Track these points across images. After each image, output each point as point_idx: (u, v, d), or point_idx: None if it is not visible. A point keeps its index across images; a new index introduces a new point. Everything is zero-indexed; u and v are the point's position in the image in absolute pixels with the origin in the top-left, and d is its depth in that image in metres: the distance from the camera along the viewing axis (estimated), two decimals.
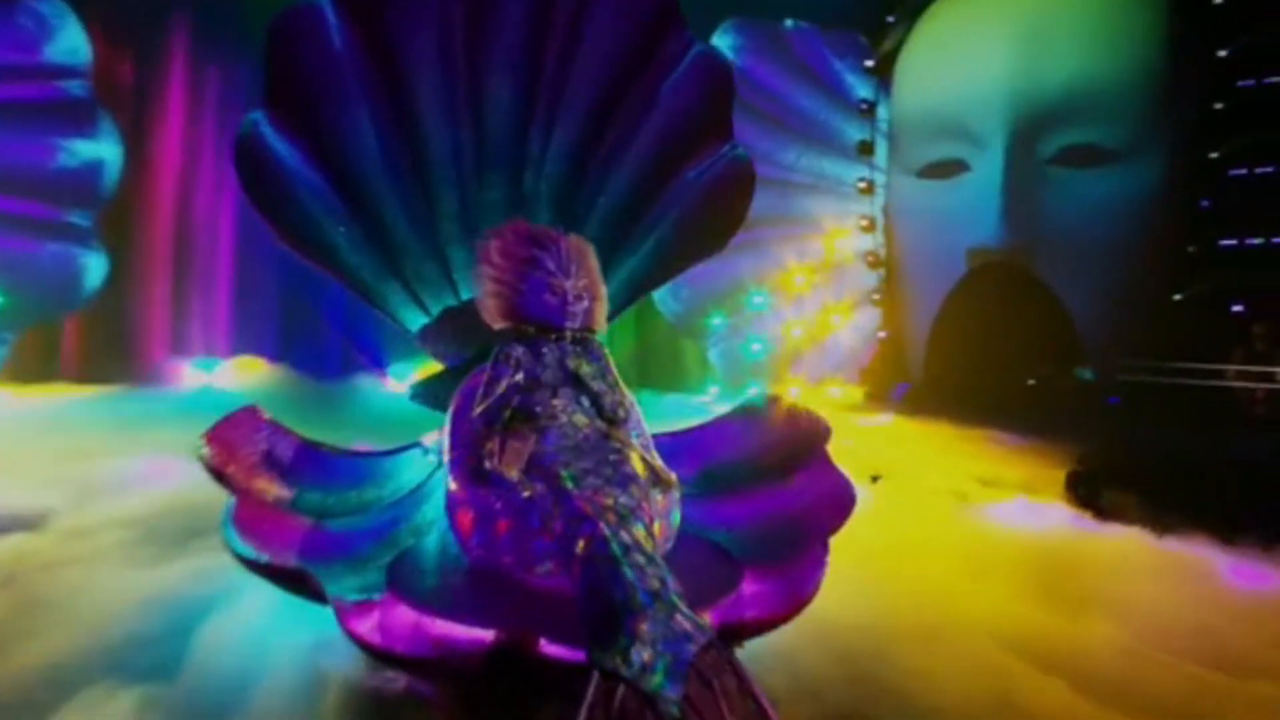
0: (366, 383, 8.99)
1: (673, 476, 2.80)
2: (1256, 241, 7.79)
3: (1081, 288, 8.03)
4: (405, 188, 3.69)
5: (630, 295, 3.79)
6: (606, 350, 3.01)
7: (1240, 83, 7.87)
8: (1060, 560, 3.84)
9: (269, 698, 2.54)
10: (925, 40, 9.04)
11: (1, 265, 8.47)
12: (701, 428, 3.52)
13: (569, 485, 2.50)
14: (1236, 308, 7.72)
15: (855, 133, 9.56)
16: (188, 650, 2.76)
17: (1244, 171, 7.87)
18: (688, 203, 3.79)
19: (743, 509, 3.12)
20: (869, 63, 9.57)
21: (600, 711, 2.00)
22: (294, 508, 2.89)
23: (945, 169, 8.63)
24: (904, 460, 5.69)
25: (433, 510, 3.02)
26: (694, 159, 3.79)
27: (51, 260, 8.73)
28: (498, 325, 2.95)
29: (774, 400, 3.44)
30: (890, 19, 9.36)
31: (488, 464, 2.68)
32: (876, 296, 9.60)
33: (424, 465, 3.26)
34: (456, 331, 3.63)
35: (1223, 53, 7.92)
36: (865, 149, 9.51)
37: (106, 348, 9.19)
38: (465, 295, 3.66)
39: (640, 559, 2.28)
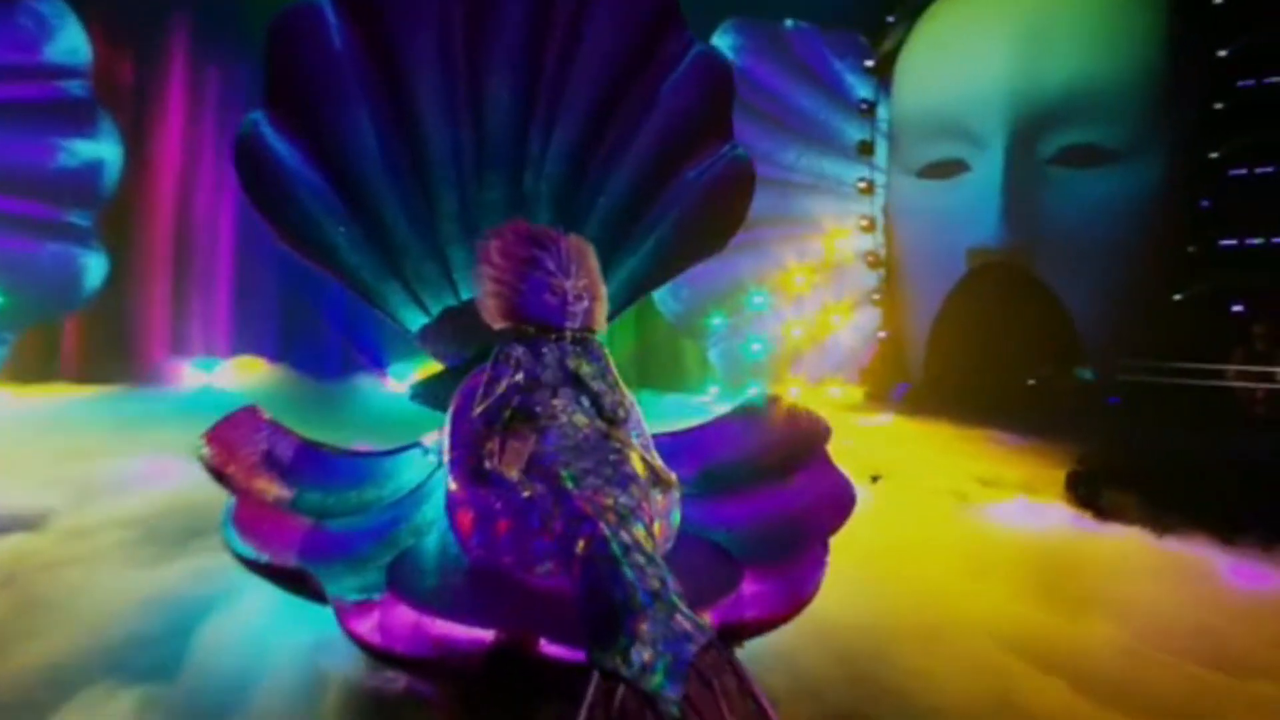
0: (366, 383, 8.99)
1: (673, 476, 2.80)
2: (1256, 241, 7.79)
3: (1081, 288, 8.03)
4: (405, 188, 3.69)
5: (630, 295, 3.79)
6: (606, 350, 3.00)
7: (1240, 83, 7.87)
8: (1060, 560, 3.84)
9: (269, 698, 2.54)
10: (925, 40, 9.03)
11: (1, 265, 8.47)
12: (701, 428, 3.51)
13: (569, 485, 2.50)
14: (1236, 308, 7.72)
15: (855, 133, 9.56)
16: (188, 650, 2.76)
17: (1244, 171, 7.86)
18: (688, 203, 3.79)
19: (743, 509, 3.12)
20: (869, 63, 9.56)
21: (600, 712, 2.00)
22: (294, 508, 2.89)
23: (945, 169, 8.63)
24: (904, 460, 5.69)
25: (433, 510, 3.02)
26: (694, 159, 3.79)
27: (51, 260, 8.72)
28: (498, 325, 2.95)
29: (774, 400, 3.44)
30: (890, 19, 9.36)
31: (488, 464, 2.68)
32: (876, 296, 9.59)
33: (424, 465, 3.26)
34: (456, 331, 3.63)
35: (1223, 53, 7.91)
36: (865, 149, 9.50)
37: (106, 348, 9.18)
38: (465, 295, 3.66)
39: (640, 559, 2.28)
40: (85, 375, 8.83)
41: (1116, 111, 7.89)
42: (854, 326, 9.56)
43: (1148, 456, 5.35)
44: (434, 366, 3.84)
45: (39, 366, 8.88)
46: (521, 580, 2.60)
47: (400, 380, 8.59)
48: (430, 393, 3.60)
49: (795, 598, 2.64)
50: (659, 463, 2.83)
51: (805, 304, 9.47)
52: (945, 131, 8.55)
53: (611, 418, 2.84)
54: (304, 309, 9.15)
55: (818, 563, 2.68)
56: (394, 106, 3.64)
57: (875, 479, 5.02)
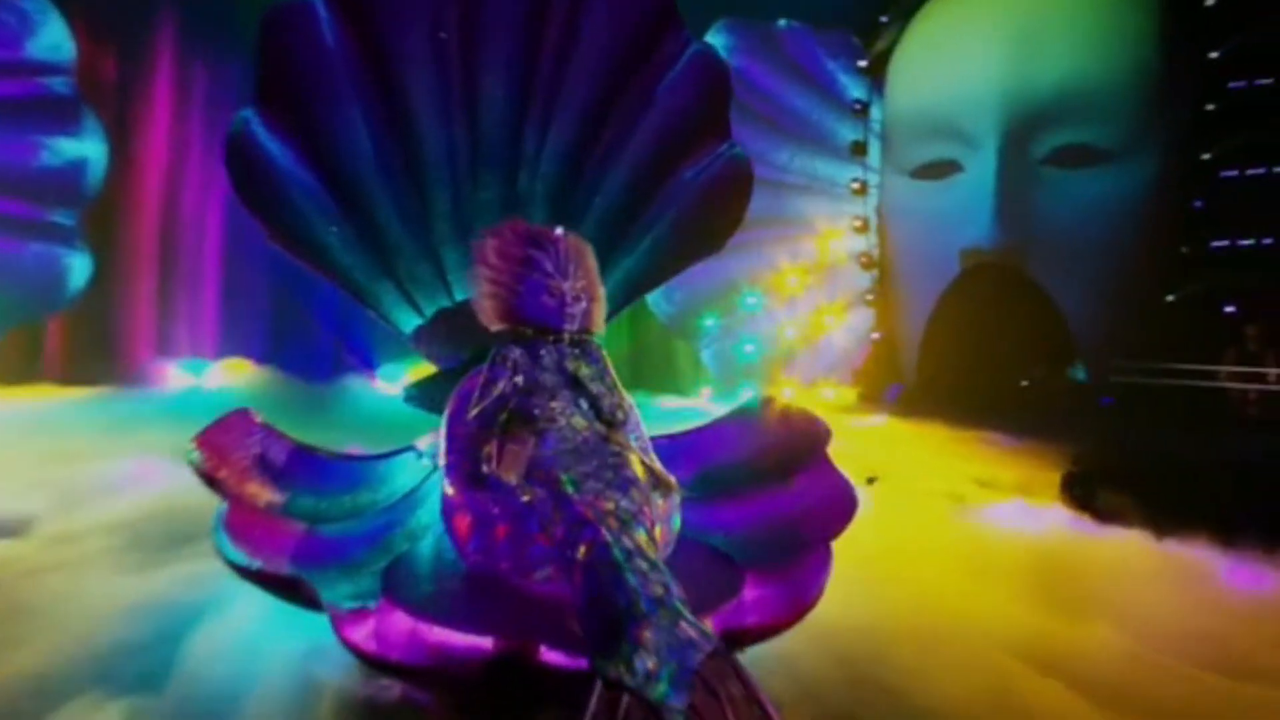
0: (356, 385, 8.92)
1: (673, 480, 2.77)
2: (1248, 242, 7.84)
3: (1075, 288, 8.06)
4: (398, 187, 3.66)
5: (627, 296, 3.76)
6: (605, 352, 2.97)
7: (1232, 84, 7.92)
8: (1059, 563, 3.84)
9: (261, 707, 2.50)
10: (918, 40, 9.04)
11: None
12: (699, 430, 3.48)
13: (569, 490, 2.47)
14: (1229, 309, 7.76)
15: (848, 133, 9.56)
16: (177, 659, 2.71)
17: (1235, 173, 7.91)
18: (685, 203, 3.76)
19: (742, 512, 3.10)
20: (862, 63, 9.57)
21: None
22: (286, 513, 2.85)
23: (938, 169, 8.64)
24: (899, 462, 5.68)
25: (428, 515, 2.99)
26: (691, 158, 3.77)
27: (34, 260, 8.60)
28: (495, 327, 2.91)
29: (772, 402, 3.41)
30: (883, 19, 9.37)
31: (485, 468, 2.64)
32: (870, 297, 9.60)
33: (418, 469, 3.22)
34: (451, 333, 3.60)
35: (1214, 54, 7.96)
36: (858, 149, 9.51)
37: (91, 349, 9.07)
38: (459, 296, 3.63)
39: (643, 565, 2.24)
40: (69, 377, 8.71)
41: (1109, 112, 7.92)
42: (847, 328, 9.56)
43: (1142, 457, 5.37)
44: (427, 368, 3.81)
45: (22, 368, 8.76)
46: (519, 586, 2.56)
47: (391, 382, 8.53)
48: (424, 395, 3.57)
49: (798, 602, 2.61)
50: (659, 466, 2.79)
51: (798, 305, 9.45)
52: (938, 132, 8.56)
53: (611, 420, 2.80)
54: (293, 309, 9.07)
55: (821, 567, 2.66)
56: (387, 105, 3.60)
57: (871, 481, 5.01)
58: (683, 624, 2.12)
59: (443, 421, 2.98)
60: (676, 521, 2.80)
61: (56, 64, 8.63)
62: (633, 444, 2.81)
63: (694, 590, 2.31)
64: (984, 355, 8.23)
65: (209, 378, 9.21)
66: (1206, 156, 8.03)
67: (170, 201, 9.54)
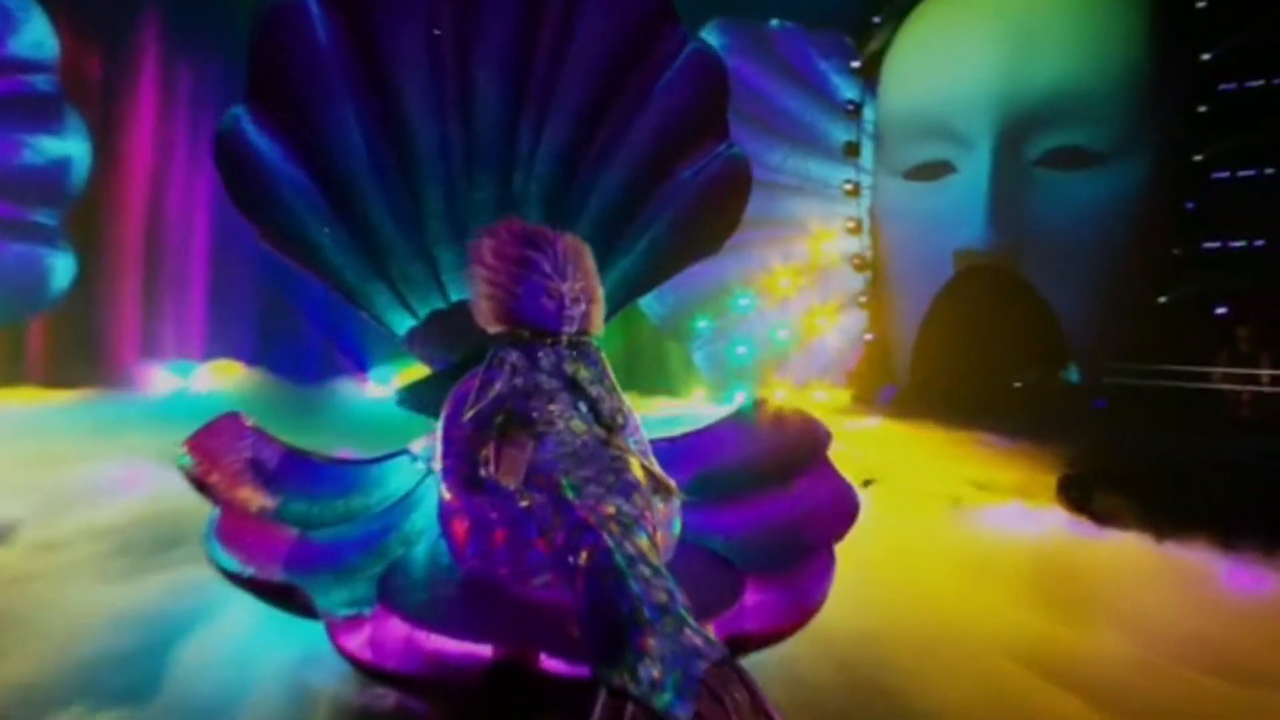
0: (347, 387, 8.84)
1: (673, 484, 2.73)
2: (1240, 244, 7.89)
3: (1068, 290, 8.08)
4: (391, 186, 3.62)
5: (624, 297, 3.73)
6: (604, 354, 2.93)
7: (1223, 86, 7.97)
8: (1059, 566, 3.83)
9: (253, 717, 2.46)
10: (911, 41, 9.05)
11: None
12: (697, 433, 3.45)
13: (570, 495, 2.42)
14: (1220, 310, 7.81)
15: (841, 134, 9.55)
16: (166, 669, 2.66)
17: (1227, 174, 7.96)
18: (683, 203, 3.73)
19: (741, 516, 3.07)
20: (855, 63, 9.56)
21: None
22: (278, 518, 2.81)
23: (931, 170, 8.64)
24: (895, 464, 5.67)
25: (422, 519, 2.95)
26: (689, 158, 3.74)
27: (16, 261, 8.47)
28: (491, 329, 2.86)
29: (772, 405, 3.38)
30: (876, 19, 9.36)
31: (483, 472, 2.59)
32: (863, 299, 9.59)
33: (412, 472, 3.18)
34: (445, 335, 3.56)
35: (1206, 56, 8.01)
36: (851, 150, 9.50)
37: (75, 351, 8.94)
38: (454, 297, 3.60)
39: (646, 571, 2.21)
40: (53, 379, 8.58)
41: (1102, 113, 7.95)
42: (840, 329, 9.54)
43: (1138, 459, 5.38)
44: (419, 370, 3.76)
45: (4, 370, 8.62)
46: (518, 592, 2.52)
47: (382, 384, 8.46)
48: (417, 397, 3.53)
49: (801, 608, 2.58)
50: (659, 470, 2.76)
51: (791, 307, 9.43)
52: (931, 133, 8.56)
53: (610, 424, 2.77)
54: (282, 310, 8.98)
55: (824, 572, 2.63)
56: (380, 102, 3.56)
57: (867, 483, 4.99)
58: (687, 631, 2.09)
59: (438, 424, 2.94)
60: (677, 526, 2.78)
61: (39, 61, 8.52)
62: (632, 448, 2.78)
63: (695, 596, 2.28)
64: (978, 357, 8.24)
65: (196, 380, 9.10)
66: (1198, 158, 8.08)
67: (155, 201, 9.43)
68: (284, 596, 2.45)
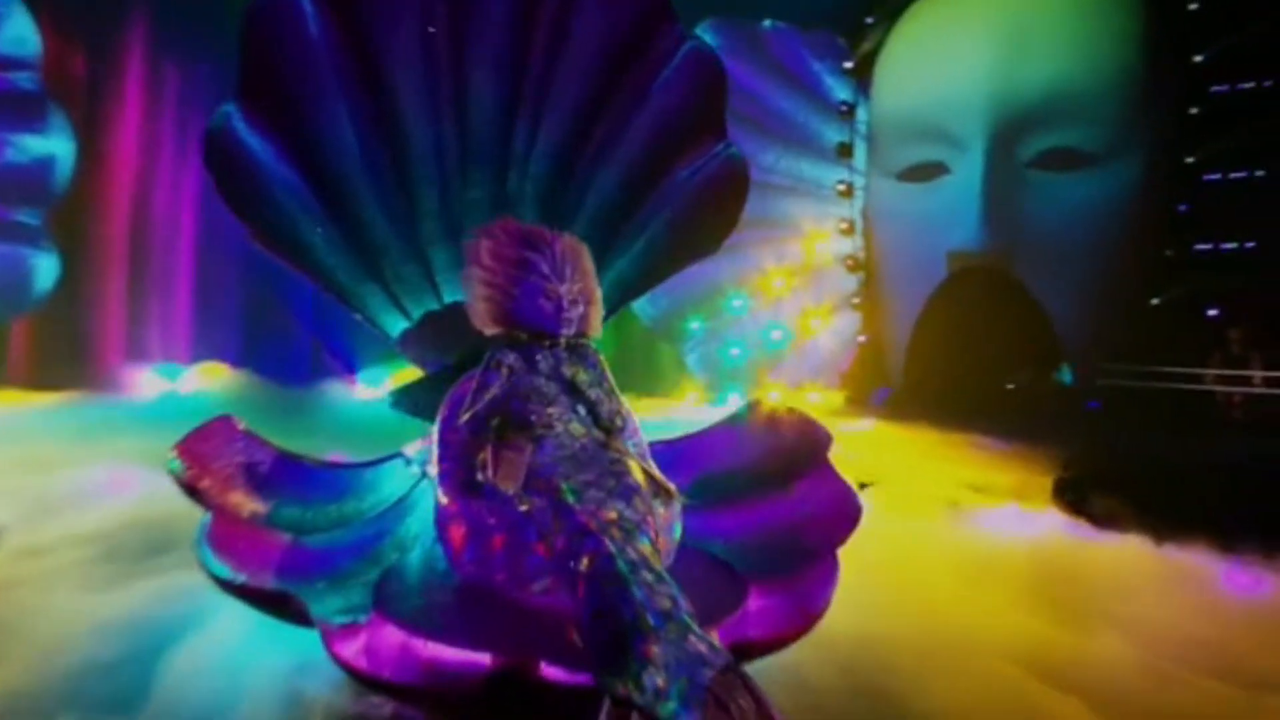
0: (335, 389, 8.76)
1: (674, 488, 2.69)
2: (1231, 246, 7.94)
3: (1061, 291, 8.12)
4: (385, 185, 3.57)
5: (621, 298, 3.69)
6: (602, 357, 2.89)
7: (1214, 88, 8.02)
8: (1059, 569, 3.84)
9: None
10: (904, 42, 9.07)
11: None
12: (696, 436, 3.42)
13: (570, 499, 2.38)
14: (1211, 312, 7.86)
15: (834, 135, 9.57)
16: (155, 677, 2.62)
17: (1218, 176, 8.02)
18: (680, 203, 3.70)
19: (741, 519, 3.04)
20: (848, 64, 9.58)
21: None
22: (270, 523, 2.76)
23: (925, 172, 8.66)
24: (890, 467, 5.66)
25: (417, 524, 2.91)
26: (686, 158, 3.70)
27: None
28: (488, 331, 2.82)
29: (771, 407, 3.35)
30: (869, 20, 9.39)
31: (480, 476, 2.55)
32: (856, 300, 9.61)
33: (407, 476, 3.13)
34: (439, 336, 3.52)
35: (1198, 58, 8.06)
36: (844, 151, 9.52)
37: (58, 353, 8.83)
38: (448, 298, 3.56)
39: (649, 577, 2.17)
40: (36, 381, 8.48)
41: (1095, 115, 7.99)
42: (833, 331, 9.56)
43: (1132, 461, 5.40)
44: (411, 372, 3.72)
45: None
46: (516, 599, 2.47)
47: (371, 386, 8.39)
48: (411, 400, 3.49)
49: (805, 614, 2.56)
50: (659, 473, 2.72)
51: (784, 308, 9.43)
52: (925, 134, 8.58)
53: (609, 427, 2.73)
54: (269, 311, 8.91)
55: (827, 577, 2.60)
56: (373, 101, 3.51)
57: (863, 486, 4.96)
58: (691, 638, 2.05)
59: (434, 427, 2.90)
60: (677, 530, 2.73)
61: (21, 59, 8.42)
62: (631, 451, 2.74)
63: (697, 601, 2.24)
64: (971, 359, 8.26)
65: (183, 382, 9.00)
66: (1190, 160, 8.13)
67: (141, 201, 9.35)
68: (277, 604, 2.41)
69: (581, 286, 2.79)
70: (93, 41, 9.19)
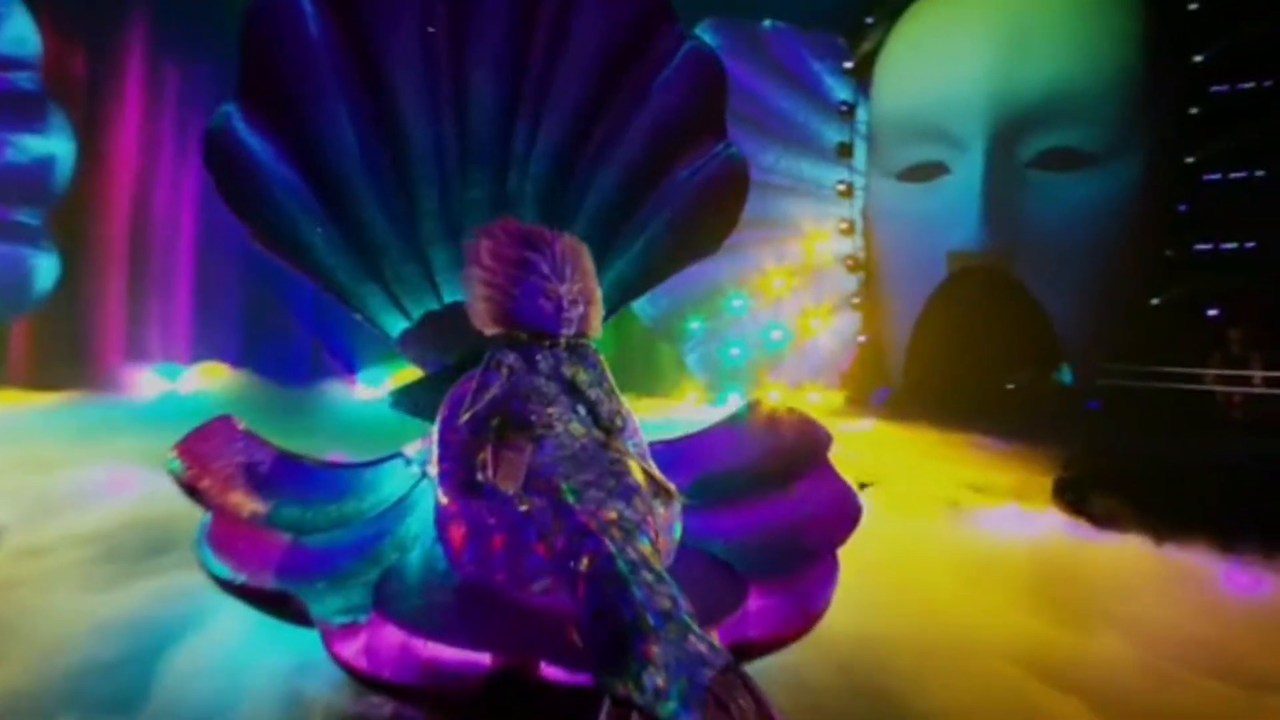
0: (335, 388, 8.75)
1: (674, 488, 2.69)
2: (1231, 246, 7.93)
3: (1061, 291, 8.11)
4: (385, 185, 3.57)
5: (620, 298, 3.68)
6: (602, 357, 2.89)
7: (1214, 88, 8.02)
8: (1059, 569, 3.84)
9: None
10: (904, 42, 9.07)
11: None
12: (696, 436, 3.41)
13: (570, 499, 2.38)
14: (1211, 312, 7.85)
15: (834, 135, 9.57)
16: (155, 677, 2.62)
17: (1218, 176, 8.01)
18: (680, 203, 3.70)
19: (741, 520, 3.03)
20: (848, 64, 9.57)
21: None
22: (270, 523, 2.76)
23: (925, 172, 8.66)
24: (891, 467, 5.66)
25: (417, 524, 2.90)
26: (686, 158, 3.69)
27: None
28: (488, 331, 2.82)
29: (771, 407, 3.34)
30: (869, 20, 9.38)
31: (480, 476, 2.55)
32: (856, 300, 9.60)
33: (407, 476, 3.13)
34: (439, 336, 3.52)
35: (1198, 58, 8.06)
36: (844, 151, 9.52)
37: (58, 353, 8.83)
38: (448, 298, 3.56)
39: (649, 577, 2.17)
40: (36, 381, 8.47)
41: (1095, 115, 7.99)
42: (833, 331, 9.55)
43: (1132, 461, 5.39)
44: (409, 371, 3.72)
45: None
46: (516, 599, 2.47)
47: (371, 386, 8.39)
48: (411, 400, 3.49)
49: (805, 614, 2.55)
50: (659, 473, 2.71)
51: (784, 308, 9.43)
52: (925, 134, 8.58)
53: (609, 427, 2.73)
54: (269, 311, 8.91)
55: (827, 577, 2.60)
56: (373, 101, 3.51)
57: (863, 486, 4.96)
58: (691, 638, 2.05)
59: (434, 427, 2.90)
60: (677, 530, 2.73)
61: (21, 59, 8.42)
62: (631, 451, 2.74)
63: (697, 601, 2.23)
64: (971, 359, 8.25)
65: (183, 382, 9.00)
66: (1190, 160, 8.13)
67: (141, 201, 9.35)
68: (277, 604, 2.41)
69: (581, 286, 2.79)
70: (93, 41, 9.18)
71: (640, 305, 9.26)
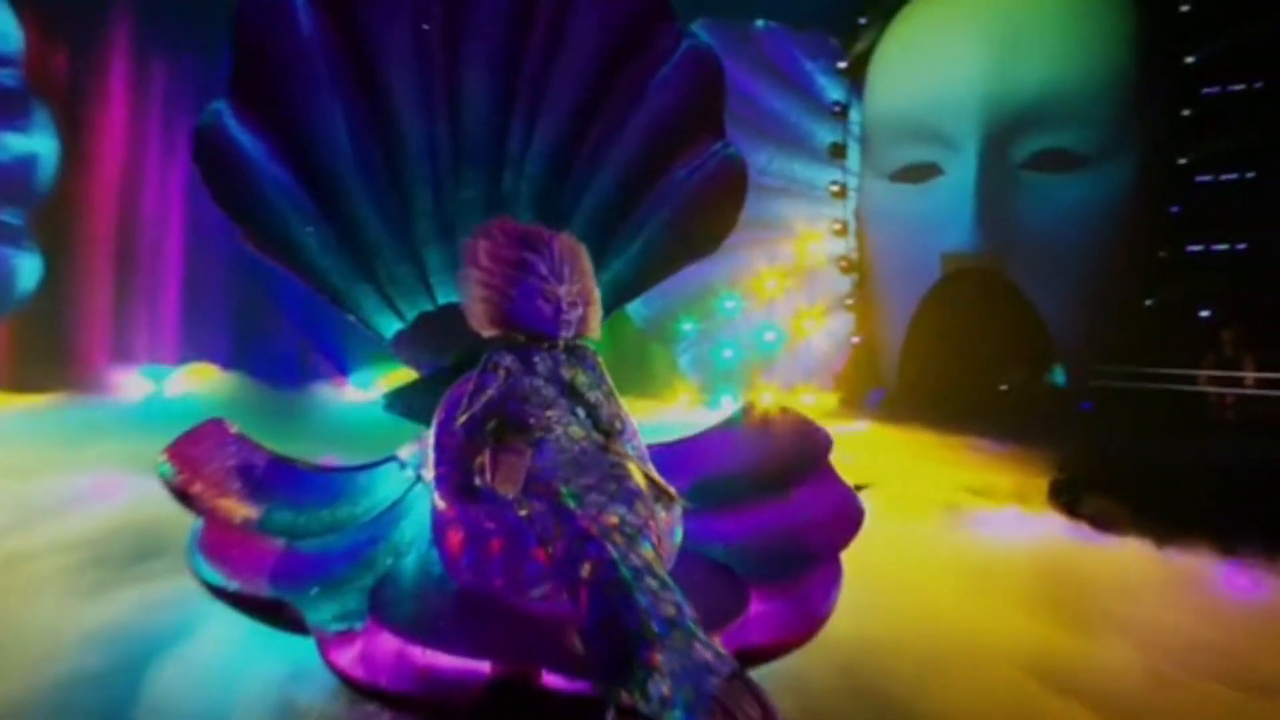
0: (326, 391, 8.66)
1: (675, 491, 2.65)
2: (1222, 247, 7.98)
3: (1054, 292, 8.14)
4: (378, 185, 3.54)
5: (617, 299, 3.65)
6: (601, 359, 2.85)
7: (1206, 90, 8.07)
8: (1059, 571, 3.82)
9: None
10: (897, 42, 9.07)
11: None
12: (694, 439, 3.38)
13: (571, 504, 2.34)
14: (1203, 313, 7.90)
15: (827, 135, 9.56)
16: (145, 687, 2.55)
17: (1210, 178, 8.06)
18: (678, 203, 3.67)
19: (740, 523, 3.00)
20: (841, 64, 9.57)
21: None
22: (263, 529, 2.71)
23: (918, 172, 8.66)
24: (887, 469, 5.63)
25: (412, 528, 2.87)
26: (684, 157, 3.67)
27: None
28: (486, 333, 2.77)
29: (771, 409, 3.32)
30: (862, 20, 9.38)
31: (478, 480, 2.50)
32: (849, 301, 9.60)
33: (401, 480, 3.09)
34: (433, 338, 3.49)
35: (1190, 59, 8.11)
36: (837, 152, 9.51)
37: (42, 354, 8.69)
38: (442, 299, 3.53)
39: (653, 583, 2.13)
40: (18, 383, 8.33)
41: (1088, 116, 8.02)
42: (827, 332, 9.54)
43: (1126, 462, 5.40)
44: (400, 373, 3.67)
45: None
46: (514, 605, 2.43)
47: (363, 388, 8.30)
48: (405, 402, 3.45)
49: (809, 619, 2.53)
50: (660, 477, 2.68)
51: (777, 309, 9.41)
52: (918, 134, 8.58)
53: (608, 430, 2.70)
54: (258, 311, 8.80)
55: (831, 581, 2.58)
56: (367, 99, 3.48)
57: (860, 489, 4.93)
58: (697, 645, 2.02)
59: (430, 430, 2.86)
60: (678, 535, 2.69)
61: (3, 55, 8.34)
62: (631, 454, 2.70)
63: (698, 607, 2.20)
64: (965, 360, 8.26)
65: (170, 384, 8.89)
66: (1182, 161, 8.17)
67: (126, 199, 9.24)
68: (271, 611, 2.38)
69: (580, 288, 2.75)
70: (76, 37, 9.07)
71: (633, 306, 9.20)
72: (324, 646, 2.25)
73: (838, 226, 9.54)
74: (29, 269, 8.54)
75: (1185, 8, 8.08)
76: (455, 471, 2.60)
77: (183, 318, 9.28)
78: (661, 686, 1.93)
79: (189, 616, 2.81)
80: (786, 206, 9.37)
